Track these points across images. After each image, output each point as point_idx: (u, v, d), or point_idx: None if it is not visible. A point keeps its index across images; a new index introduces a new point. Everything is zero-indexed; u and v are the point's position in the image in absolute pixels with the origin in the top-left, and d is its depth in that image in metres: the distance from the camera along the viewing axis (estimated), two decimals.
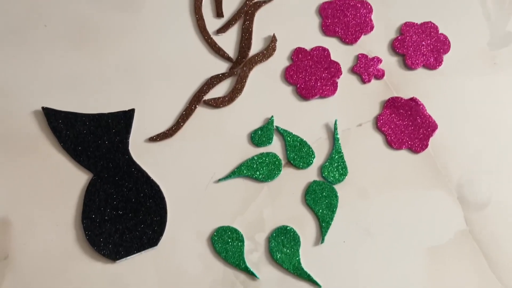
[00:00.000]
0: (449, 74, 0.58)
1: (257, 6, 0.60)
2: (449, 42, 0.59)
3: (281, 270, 0.52)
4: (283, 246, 0.52)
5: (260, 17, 0.60)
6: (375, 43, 0.59)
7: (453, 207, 0.54)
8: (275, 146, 0.56)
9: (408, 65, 0.58)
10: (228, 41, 0.60)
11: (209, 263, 0.52)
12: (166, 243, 0.53)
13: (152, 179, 0.54)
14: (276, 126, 0.56)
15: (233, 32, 0.60)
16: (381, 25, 0.60)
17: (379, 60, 0.58)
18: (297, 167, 0.55)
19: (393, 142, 0.55)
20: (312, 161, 0.55)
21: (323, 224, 0.53)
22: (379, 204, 0.54)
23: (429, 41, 0.59)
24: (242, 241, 0.52)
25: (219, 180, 0.54)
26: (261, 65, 0.58)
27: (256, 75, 0.58)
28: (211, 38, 0.59)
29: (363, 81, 0.58)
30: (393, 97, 0.57)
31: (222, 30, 0.60)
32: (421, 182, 0.54)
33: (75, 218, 0.53)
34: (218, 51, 0.59)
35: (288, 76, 0.58)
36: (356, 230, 0.53)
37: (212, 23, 0.60)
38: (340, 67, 0.58)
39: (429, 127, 0.56)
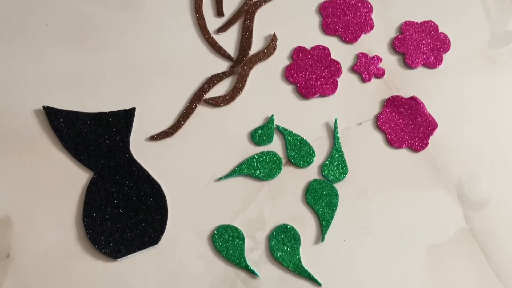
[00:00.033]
0: (449, 73, 0.58)
1: (258, 5, 0.60)
2: (449, 41, 0.59)
3: (281, 268, 0.52)
4: (283, 244, 0.52)
5: (261, 16, 0.60)
6: (375, 42, 0.59)
7: (453, 205, 0.54)
8: (276, 145, 0.56)
9: (408, 64, 0.58)
10: (229, 40, 0.60)
11: (209, 261, 0.52)
12: (166, 241, 0.53)
13: (152, 178, 0.54)
14: (276, 125, 0.56)
15: (234, 31, 0.60)
16: (381, 24, 0.60)
17: (379, 59, 0.58)
18: (297, 166, 0.55)
19: (393, 141, 0.55)
20: (313, 160, 0.55)
21: (323, 223, 0.53)
22: (379, 202, 0.54)
23: (429, 40, 0.59)
24: (242, 239, 0.53)
25: (220, 178, 0.54)
26: (261, 64, 0.59)
27: (257, 74, 0.58)
28: (212, 37, 0.59)
29: (363, 80, 0.58)
30: (393, 96, 0.57)
31: (222, 29, 0.60)
32: (421, 180, 0.54)
33: (76, 216, 0.53)
34: (218, 50, 0.59)
35: (289, 75, 0.58)
36: (356, 228, 0.53)
37: (212, 22, 0.60)
38: (340, 66, 0.58)
39: (429, 126, 0.56)
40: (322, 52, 0.58)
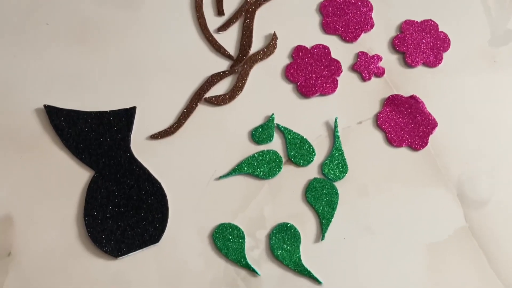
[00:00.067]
0: (449, 72, 0.58)
1: (258, 4, 0.60)
2: (449, 40, 0.59)
3: (281, 266, 0.52)
4: (283, 243, 0.53)
5: (261, 15, 0.60)
6: (375, 41, 0.59)
7: (453, 204, 0.54)
8: (276, 144, 0.56)
9: (408, 63, 0.58)
10: (229, 39, 0.60)
11: (210, 259, 0.52)
12: (167, 240, 0.53)
13: (153, 177, 0.54)
14: (276, 124, 0.56)
15: (234, 30, 0.60)
16: (381, 23, 0.60)
17: (379, 58, 0.58)
18: (297, 164, 0.55)
19: (393, 140, 0.56)
20: (313, 159, 0.55)
21: (324, 221, 0.53)
22: (379, 201, 0.54)
23: (429, 39, 0.59)
24: (243, 238, 0.53)
25: (220, 177, 0.55)
26: (261, 63, 0.59)
27: (257, 73, 0.58)
28: (212, 36, 0.59)
29: (363, 79, 0.58)
30: (393, 95, 0.57)
31: (223, 28, 0.60)
32: (421, 179, 0.55)
33: (77, 215, 0.53)
34: (219, 49, 0.59)
35: (289, 74, 0.58)
36: (356, 227, 0.53)
37: (213, 21, 0.60)
38: (341, 65, 0.58)
39: (429, 124, 0.56)
40: (322, 51, 0.58)
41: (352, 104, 0.57)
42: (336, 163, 0.55)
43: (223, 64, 0.59)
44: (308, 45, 0.59)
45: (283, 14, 0.60)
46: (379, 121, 0.56)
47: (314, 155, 0.55)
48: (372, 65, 0.58)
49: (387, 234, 0.53)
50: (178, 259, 0.52)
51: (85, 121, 0.55)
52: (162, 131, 0.56)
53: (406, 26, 0.59)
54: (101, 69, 0.58)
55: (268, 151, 0.55)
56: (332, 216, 0.53)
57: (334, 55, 0.58)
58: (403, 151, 0.56)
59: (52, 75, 0.58)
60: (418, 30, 0.59)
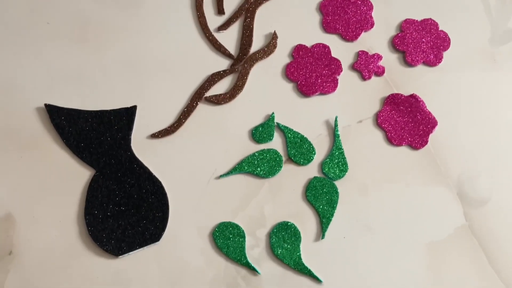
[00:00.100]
0: (449, 71, 0.58)
1: (258, 3, 0.60)
2: (449, 39, 0.59)
3: (282, 265, 0.52)
4: (284, 241, 0.53)
5: (261, 14, 0.60)
6: (376, 40, 0.59)
7: (453, 203, 0.54)
8: (276, 143, 0.56)
9: (408, 62, 0.58)
10: (229, 38, 0.60)
11: (210, 258, 0.52)
12: (168, 239, 0.53)
13: (154, 175, 0.54)
14: (277, 123, 0.56)
15: (234, 29, 0.60)
16: (381, 22, 0.60)
17: (379, 57, 0.58)
18: (297, 163, 0.55)
19: (393, 139, 0.56)
20: (313, 158, 0.55)
21: (324, 220, 0.53)
22: (379, 200, 0.54)
23: (429, 38, 0.59)
24: (243, 236, 0.53)
25: (220, 176, 0.55)
26: (262, 62, 0.59)
27: (257, 72, 0.58)
28: (212, 35, 0.59)
29: (364, 78, 0.58)
30: (393, 94, 0.57)
31: (223, 27, 0.60)
32: (421, 178, 0.55)
33: (78, 214, 0.53)
34: (219, 48, 0.59)
35: (289, 73, 0.58)
36: (356, 225, 0.53)
37: (213, 20, 0.60)
38: (341, 64, 0.58)
39: (429, 123, 0.56)
40: (322, 50, 0.58)
41: (352, 103, 0.57)
42: (336, 162, 0.55)
43: (223, 63, 0.59)
44: (308, 44, 0.59)
45: (283, 13, 0.60)
46: (379, 120, 0.56)
47: (314, 154, 0.55)
48: (372, 64, 0.58)
49: (387, 233, 0.53)
50: (178, 258, 0.52)
51: (86, 120, 0.55)
52: (162, 130, 0.56)
53: (406, 25, 0.59)
54: (102, 68, 0.58)
55: (269, 150, 0.55)
56: (332, 215, 0.53)
57: (334, 54, 0.58)
58: (403, 150, 0.56)
59: (53, 74, 0.58)
60: (418, 29, 0.59)
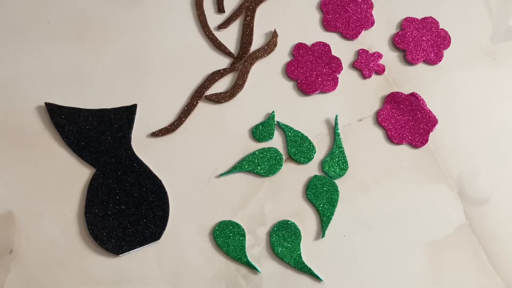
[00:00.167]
0: (450, 70, 0.58)
1: (258, 1, 0.60)
2: (449, 37, 0.59)
3: (282, 264, 0.52)
4: (284, 240, 0.53)
5: (261, 12, 0.60)
6: (376, 38, 0.59)
7: (453, 201, 0.54)
8: (276, 141, 0.56)
9: (409, 61, 0.58)
10: (230, 37, 0.60)
11: (210, 257, 0.52)
12: (168, 237, 0.53)
13: (154, 174, 0.54)
14: (277, 121, 0.56)
15: (234, 28, 0.60)
16: (381, 20, 0.60)
17: (379, 56, 0.58)
18: (298, 162, 0.55)
19: (393, 137, 0.56)
20: (313, 156, 0.55)
21: (324, 219, 0.53)
22: (380, 198, 0.54)
23: (429, 36, 0.59)
24: (243, 235, 0.53)
25: (221, 175, 0.55)
26: (262, 60, 0.59)
27: (257, 70, 0.58)
28: (213, 33, 0.59)
29: (364, 77, 0.58)
30: (393, 92, 0.57)
31: (223, 25, 0.60)
32: (421, 176, 0.55)
33: (78, 212, 0.53)
34: (219, 46, 0.59)
35: (289, 71, 0.58)
36: (356, 224, 0.53)
37: (213, 19, 0.60)
38: (341, 63, 0.58)
39: (429, 122, 0.56)
40: (322, 48, 0.58)
41: (353, 102, 0.57)
42: (336, 161, 0.55)
43: (223, 62, 0.59)
44: (309, 42, 0.59)
45: (283, 11, 0.60)
46: (380, 119, 0.56)
47: (315, 152, 0.55)
48: (373, 63, 0.58)
49: (387, 231, 0.53)
50: (178, 256, 0.52)
51: (86, 118, 0.55)
52: (162, 128, 0.56)
53: (407, 24, 0.59)
54: (102, 66, 0.58)
55: (269, 149, 0.55)
56: (332, 214, 0.53)
57: (334, 52, 0.58)
58: (404, 148, 0.56)
59: (53, 72, 0.58)
60: (419, 27, 0.59)
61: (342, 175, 0.54)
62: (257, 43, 0.59)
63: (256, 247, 0.53)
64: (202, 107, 0.57)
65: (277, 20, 0.60)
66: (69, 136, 0.55)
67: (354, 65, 0.58)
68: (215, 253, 0.53)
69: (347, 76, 0.58)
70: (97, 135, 0.55)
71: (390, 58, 0.59)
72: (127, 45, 0.59)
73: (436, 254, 0.52)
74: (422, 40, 0.59)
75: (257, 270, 0.52)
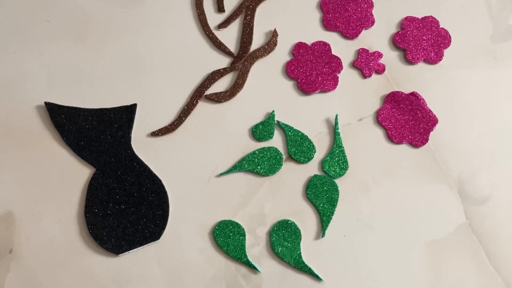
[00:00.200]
0: (450, 69, 0.58)
1: (258, 1, 0.60)
2: (449, 37, 0.59)
3: (282, 263, 0.52)
4: (284, 240, 0.53)
5: (261, 12, 0.60)
6: (376, 37, 0.59)
7: (454, 201, 0.54)
8: (276, 141, 0.56)
9: (409, 60, 0.58)
10: (229, 36, 0.60)
11: (210, 256, 0.52)
12: (168, 237, 0.53)
13: (154, 174, 0.54)
14: (277, 121, 0.56)
15: (234, 27, 0.60)
16: (382, 20, 0.60)
17: (379, 55, 0.58)
18: (298, 161, 0.55)
19: (393, 137, 0.56)
20: (313, 156, 0.55)
21: (324, 218, 0.53)
22: (380, 198, 0.54)
23: (430, 36, 0.59)
24: (243, 235, 0.53)
25: (221, 174, 0.55)
26: (262, 60, 0.59)
27: (257, 70, 0.58)
28: (213, 33, 0.59)
29: (364, 76, 0.58)
30: (393, 92, 0.57)
31: (223, 25, 0.60)
32: (421, 176, 0.55)
33: (78, 212, 0.53)
34: (219, 46, 0.59)
35: (289, 70, 0.58)
36: (356, 224, 0.53)
37: (213, 18, 0.60)
38: (341, 62, 0.58)
39: (430, 121, 0.56)
40: (322, 47, 0.58)
41: (353, 101, 0.57)
42: (336, 160, 0.55)
43: (223, 61, 0.59)
44: (309, 42, 0.59)
45: (283, 11, 0.60)
46: (380, 118, 0.56)
47: (315, 152, 0.55)
48: (373, 62, 0.58)
49: (387, 231, 0.53)
50: (178, 256, 0.52)
51: (86, 118, 0.55)
52: (162, 128, 0.56)
53: (407, 23, 0.59)
54: (102, 66, 0.58)
55: (269, 148, 0.55)
56: (332, 213, 0.53)
57: (334, 52, 0.58)
58: (404, 148, 0.56)
59: (53, 72, 0.58)
60: (419, 26, 0.59)
61: (342, 175, 0.54)
62: (257, 42, 0.59)
63: (256, 246, 0.53)
64: (202, 106, 0.57)
65: (277, 19, 0.60)
66: (69, 135, 0.55)
67: (354, 65, 0.58)
68: (215, 253, 0.53)
69: (347, 76, 0.58)
70: (97, 134, 0.55)
71: (390, 57, 0.59)
72: (127, 45, 0.59)
73: (436, 254, 0.52)
74: (422, 40, 0.58)
75: (257, 269, 0.52)
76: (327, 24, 0.60)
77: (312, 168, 0.55)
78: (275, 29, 0.59)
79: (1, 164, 0.55)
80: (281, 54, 0.59)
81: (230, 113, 0.57)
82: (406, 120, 0.56)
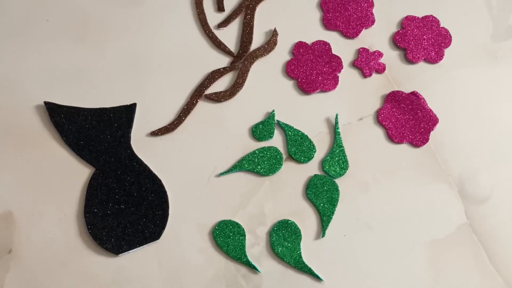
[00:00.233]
0: (450, 68, 0.58)
1: (258, 0, 0.60)
2: (450, 36, 0.59)
3: (282, 263, 0.52)
4: (284, 240, 0.53)
5: (261, 11, 0.60)
6: (376, 37, 0.59)
7: (454, 200, 0.54)
8: (276, 140, 0.56)
9: (409, 59, 0.58)
10: (229, 35, 0.60)
11: (210, 256, 0.52)
12: (168, 237, 0.53)
13: (154, 173, 0.54)
14: (277, 120, 0.56)
15: (234, 26, 0.60)
16: (382, 19, 0.60)
17: (380, 54, 0.58)
18: (298, 161, 0.55)
19: (394, 136, 0.56)
20: (313, 155, 0.55)
21: (324, 218, 0.53)
22: (380, 198, 0.54)
23: (430, 35, 0.59)
24: (243, 235, 0.53)
25: (221, 174, 0.55)
26: (262, 59, 0.59)
27: (257, 69, 0.58)
28: (212, 32, 0.59)
29: (364, 75, 0.58)
30: (394, 91, 0.57)
31: (223, 24, 0.60)
32: (421, 176, 0.55)
33: (78, 212, 0.53)
34: (219, 45, 0.59)
35: (289, 70, 0.58)
36: (357, 224, 0.53)
37: (213, 17, 0.60)
38: (341, 61, 0.58)
39: (430, 121, 0.56)
40: (323, 47, 0.58)
41: (353, 101, 0.57)
42: (336, 160, 0.55)
43: (223, 61, 0.59)
44: (309, 41, 0.59)
45: (283, 10, 0.60)
46: (380, 118, 0.56)
47: (315, 151, 0.55)
48: (373, 61, 0.58)
49: (387, 231, 0.53)
50: (178, 256, 0.52)
51: (86, 117, 0.55)
52: (162, 127, 0.56)
53: (407, 22, 0.59)
54: (102, 65, 0.58)
55: (269, 148, 0.55)
56: (332, 213, 0.53)
57: (334, 51, 0.58)
58: (404, 147, 0.56)
59: (53, 71, 0.58)
60: (419, 26, 0.59)
61: (343, 174, 0.54)
62: (257, 41, 0.59)
63: (256, 246, 0.53)
64: (202, 106, 0.57)
65: (277, 18, 0.60)
66: (68, 135, 0.55)
67: (354, 64, 0.58)
68: (215, 253, 0.53)
69: (348, 75, 0.58)
70: (96, 134, 0.55)
71: (391, 56, 0.58)
72: (127, 44, 0.59)
73: (437, 254, 0.52)
74: (422, 39, 0.58)
75: (257, 269, 0.52)
76: (327, 23, 0.59)
77: (312, 168, 0.55)
78: (275, 29, 0.59)
79: (1, 164, 0.55)
80: (281, 54, 0.59)
81: (230, 112, 0.57)
82: (407, 119, 0.56)
